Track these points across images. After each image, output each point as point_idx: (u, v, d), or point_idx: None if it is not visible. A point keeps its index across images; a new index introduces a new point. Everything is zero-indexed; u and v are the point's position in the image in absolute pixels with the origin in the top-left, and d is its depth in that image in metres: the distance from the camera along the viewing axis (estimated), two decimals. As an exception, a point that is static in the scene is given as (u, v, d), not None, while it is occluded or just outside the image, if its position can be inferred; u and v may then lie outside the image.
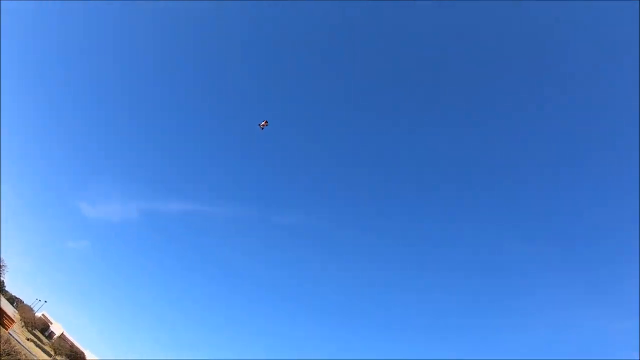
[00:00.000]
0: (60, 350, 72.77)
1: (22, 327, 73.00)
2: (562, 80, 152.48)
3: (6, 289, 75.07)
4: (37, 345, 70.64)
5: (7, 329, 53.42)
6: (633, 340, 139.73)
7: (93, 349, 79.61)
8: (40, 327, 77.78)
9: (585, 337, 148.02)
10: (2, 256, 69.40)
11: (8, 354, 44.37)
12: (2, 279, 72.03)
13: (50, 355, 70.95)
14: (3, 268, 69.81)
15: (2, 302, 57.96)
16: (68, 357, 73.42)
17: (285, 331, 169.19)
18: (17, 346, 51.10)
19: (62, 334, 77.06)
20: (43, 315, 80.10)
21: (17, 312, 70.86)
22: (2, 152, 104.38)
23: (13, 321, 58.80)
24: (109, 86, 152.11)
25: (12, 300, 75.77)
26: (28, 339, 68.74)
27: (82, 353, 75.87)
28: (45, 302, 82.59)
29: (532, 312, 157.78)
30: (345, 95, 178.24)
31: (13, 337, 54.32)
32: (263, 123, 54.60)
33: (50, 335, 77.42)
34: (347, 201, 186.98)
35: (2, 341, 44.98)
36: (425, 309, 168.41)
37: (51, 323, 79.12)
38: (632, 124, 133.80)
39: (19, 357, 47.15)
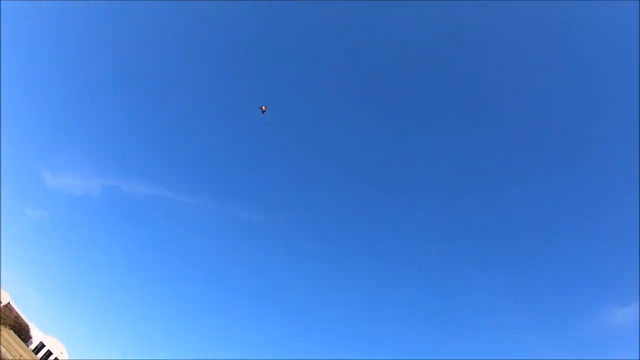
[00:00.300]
0: (4, 320, 69.36)
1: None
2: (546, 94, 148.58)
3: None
4: (-20, 313, 67.61)
5: None
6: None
7: (38, 323, 76.37)
8: (-14, 295, 74.54)
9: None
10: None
11: None
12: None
13: (-8, 325, 67.96)
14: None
15: None
16: (12, 328, 70.33)
17: (239, 329, 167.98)
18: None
19: (9, 303, 73.68)
20: (-9, 282, 76.77)
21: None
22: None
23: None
24: (88, 60, 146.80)
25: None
26: (-31, 306, 65.72)
27: (27, 326, 72.70)
28: (-4, 269, 79.21)
29: (482, 335, 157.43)
30: (340, 97, 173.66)
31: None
32: (263, 107, 55.09)
33: (-5, 304, 74.16)
34: (315, 206, 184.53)
35: None
36: (374, 322, 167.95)
37: (-2, 291, 75.78)
38: (619, 142, 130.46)
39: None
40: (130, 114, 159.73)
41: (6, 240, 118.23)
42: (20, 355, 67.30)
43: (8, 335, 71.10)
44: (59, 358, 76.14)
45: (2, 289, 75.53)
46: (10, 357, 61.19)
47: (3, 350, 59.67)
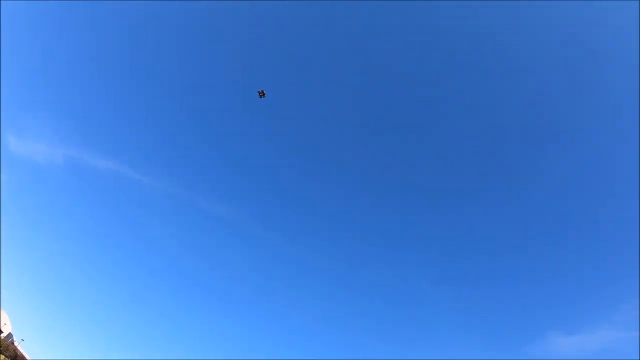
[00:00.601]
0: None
1: None
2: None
3: None
4: None
5: None
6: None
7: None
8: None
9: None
10: None
11: None
12: None
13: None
14: None
15: None
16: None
17: (185, 324, 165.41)
18: None
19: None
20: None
21: None
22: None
23: None
24: (66, 34, 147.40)
25: None
26: None
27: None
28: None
29: (439, 349, 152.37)
30: (315, 95, 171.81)
31: None
32: (263, 92, 55.51)
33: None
34: (279, 203, 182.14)
35: None
36: (326, 322, 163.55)
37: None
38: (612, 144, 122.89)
39: None
40: (103, 89, 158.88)
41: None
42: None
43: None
44: (1, 329, 74.79)
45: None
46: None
47: None
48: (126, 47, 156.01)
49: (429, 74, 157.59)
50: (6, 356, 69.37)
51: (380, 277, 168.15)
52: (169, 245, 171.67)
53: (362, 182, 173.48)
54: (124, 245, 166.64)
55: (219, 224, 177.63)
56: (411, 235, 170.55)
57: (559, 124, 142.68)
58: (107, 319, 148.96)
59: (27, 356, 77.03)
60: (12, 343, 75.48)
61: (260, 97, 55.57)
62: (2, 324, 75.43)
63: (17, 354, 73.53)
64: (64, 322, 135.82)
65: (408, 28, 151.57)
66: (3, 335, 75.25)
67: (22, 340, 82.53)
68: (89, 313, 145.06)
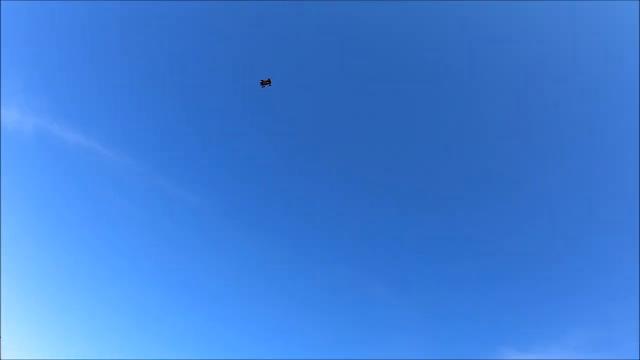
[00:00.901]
0: None
1: None
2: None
3: None
4: None
5: None
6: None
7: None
8: None
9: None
10: None
11: None
12: None
13: None
14: None
15: None
16: None
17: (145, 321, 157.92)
18: None
19: None
20: None
21: None
22: None
23: None
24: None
25: None
26: None
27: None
28: None
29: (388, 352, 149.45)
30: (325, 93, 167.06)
31: None
32: (266, 81, 51.50)
33: None
34: (257, 198, 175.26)
35: None
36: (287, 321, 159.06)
37: None
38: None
39: None
40: (80, 60, 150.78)
41: None
42: None
43: None
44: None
45: None
46: None
47: None
48: (120, 40, 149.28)
49: (425, 75, 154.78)
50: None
51: (339, 278, 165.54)
52: (139, 230, 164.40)
53: (346, 182, 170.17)
54: (88, 221, 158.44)
55: (190, 212, 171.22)
56: (372, 237, 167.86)
57: (556, 125, 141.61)
58: (66, 300, 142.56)
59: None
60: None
61: (263, 86, 51.46)
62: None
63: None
64: (17, 300, 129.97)
65: (406, 27, 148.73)
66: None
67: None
68: (47, 294, 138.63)
